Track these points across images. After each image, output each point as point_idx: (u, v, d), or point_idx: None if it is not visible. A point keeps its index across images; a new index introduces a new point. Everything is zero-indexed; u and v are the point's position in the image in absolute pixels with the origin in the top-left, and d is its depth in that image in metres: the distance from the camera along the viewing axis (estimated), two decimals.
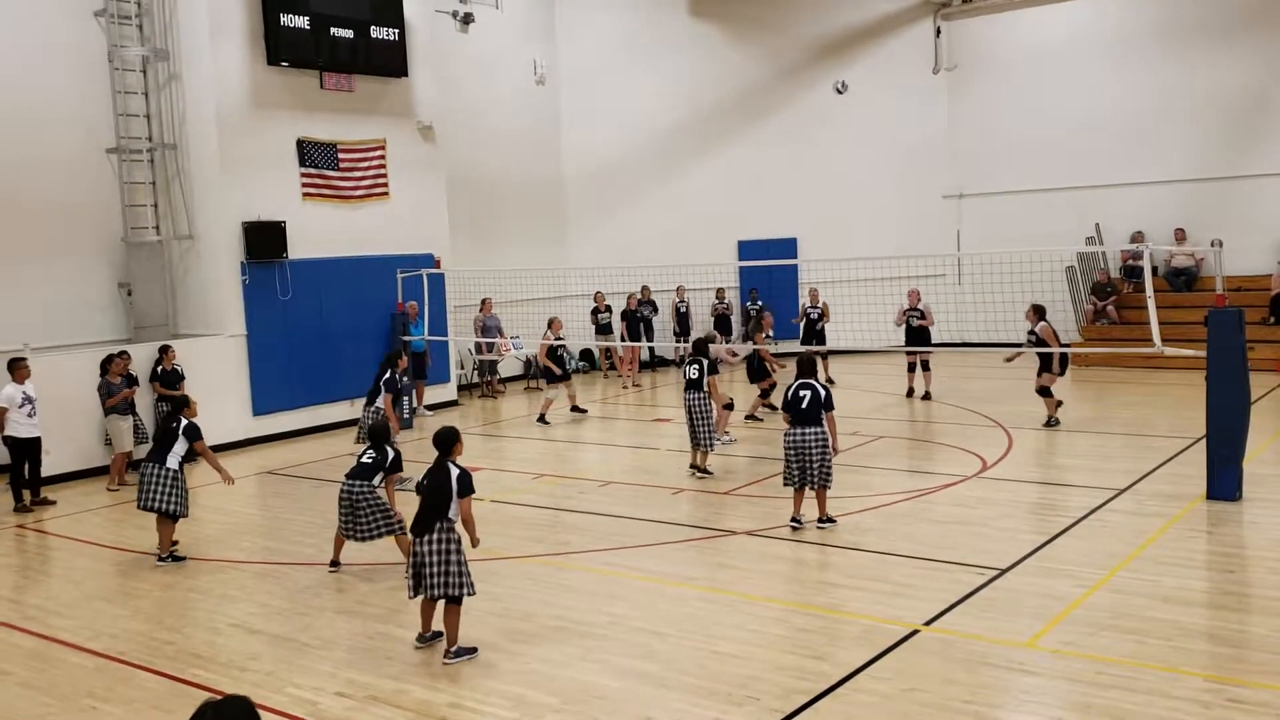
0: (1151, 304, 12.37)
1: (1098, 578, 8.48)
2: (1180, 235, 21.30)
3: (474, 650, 7.50)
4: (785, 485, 10.40)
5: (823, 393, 10.18)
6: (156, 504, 10.11)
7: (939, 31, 24.11)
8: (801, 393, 10.20)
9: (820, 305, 19.46)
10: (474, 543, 7.65)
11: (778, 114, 24.45)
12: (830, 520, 10.27)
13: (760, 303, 23.51)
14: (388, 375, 13.01)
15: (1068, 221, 22.15)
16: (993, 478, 12.18)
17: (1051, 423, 14.82)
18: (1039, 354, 15.09)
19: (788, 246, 23.81)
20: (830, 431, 10.24)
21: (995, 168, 23.65)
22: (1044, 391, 14.99)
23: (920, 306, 17.78)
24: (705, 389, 12.71)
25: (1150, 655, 6.94)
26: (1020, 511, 10.79)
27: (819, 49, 24.49)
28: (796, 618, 8.04)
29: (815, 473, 10.13)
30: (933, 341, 18.14)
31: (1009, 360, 16.00)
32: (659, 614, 8.18)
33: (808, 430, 10.11)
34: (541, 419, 17.20)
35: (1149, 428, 14.66)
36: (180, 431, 10.24)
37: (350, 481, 9.36)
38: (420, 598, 7.58)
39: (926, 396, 17.68)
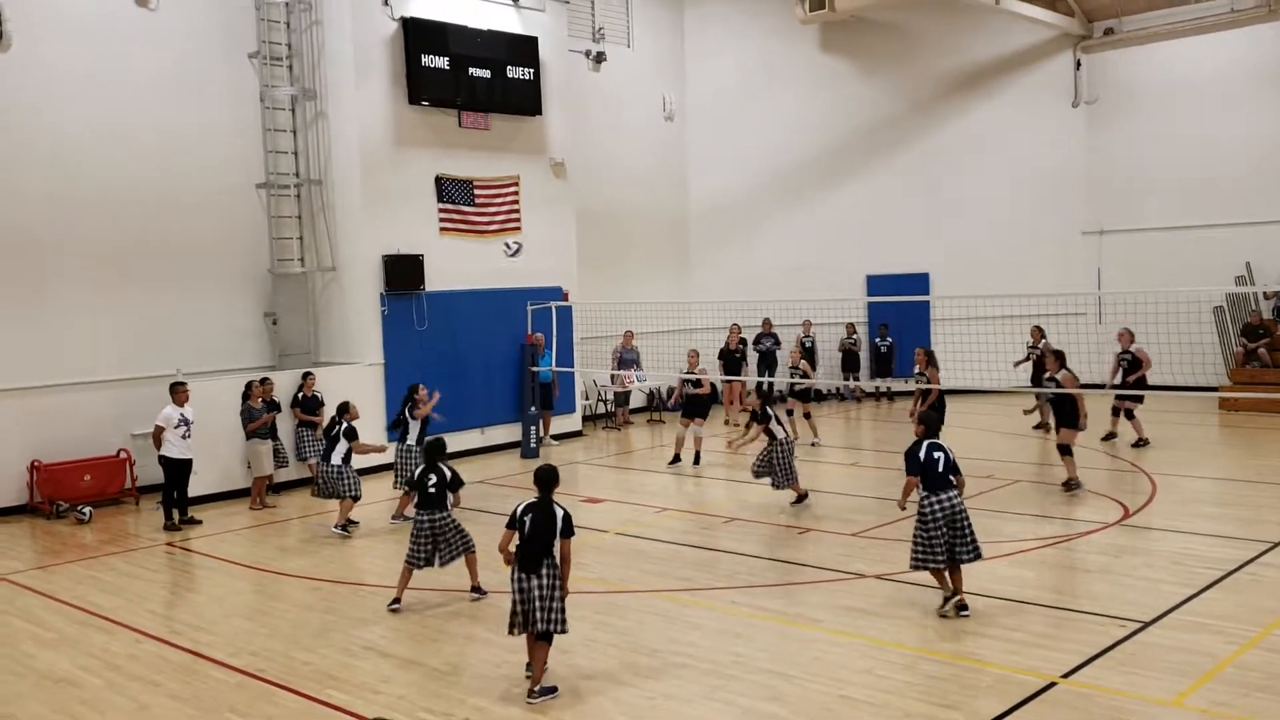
0: None
1: (1251, 635, 8.04)
2: None
3: (555, 689, 7.47)
4: (925, 567, 9.00)
5: (952, 454, 9.16)
6: (327, 493, 12.96)
7: (1079, 64, 23.52)
8: (935, 454, 9.07)
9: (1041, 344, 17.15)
10: (564, 591, 7.51)
11: (909, 148, 24.11)
12: (965, 608, 8.90)
13: (890, 339, 23.25)
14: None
15: (1215, 260, 21.19)
16: (1135, 525, 11.69)
17: (1071, 486, 13.30)
18: (1053, 404, 14.05)
19: (920, 282, 23.44)
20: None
21: (1138, 203, 22.87)
22: (1064, 450, 13.55)
23: (1133, 350, 16.43)
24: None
25: None
26: (1165, 562, 10.32)
27: (953, 83, 24.10)
28: (927, 664, 7.84)
29: (968, 543, 8.94)
30: (1083, 383, 16.92)
31: (1029, 412, 15.03)
32: (785, 655, 8.08)
33: (951, 495, 8.97)
34: (696, 459, 16.36)
35: None
36: (341, 434, 12.73)
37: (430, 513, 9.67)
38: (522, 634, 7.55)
39: (1141, 444, 16.35)
